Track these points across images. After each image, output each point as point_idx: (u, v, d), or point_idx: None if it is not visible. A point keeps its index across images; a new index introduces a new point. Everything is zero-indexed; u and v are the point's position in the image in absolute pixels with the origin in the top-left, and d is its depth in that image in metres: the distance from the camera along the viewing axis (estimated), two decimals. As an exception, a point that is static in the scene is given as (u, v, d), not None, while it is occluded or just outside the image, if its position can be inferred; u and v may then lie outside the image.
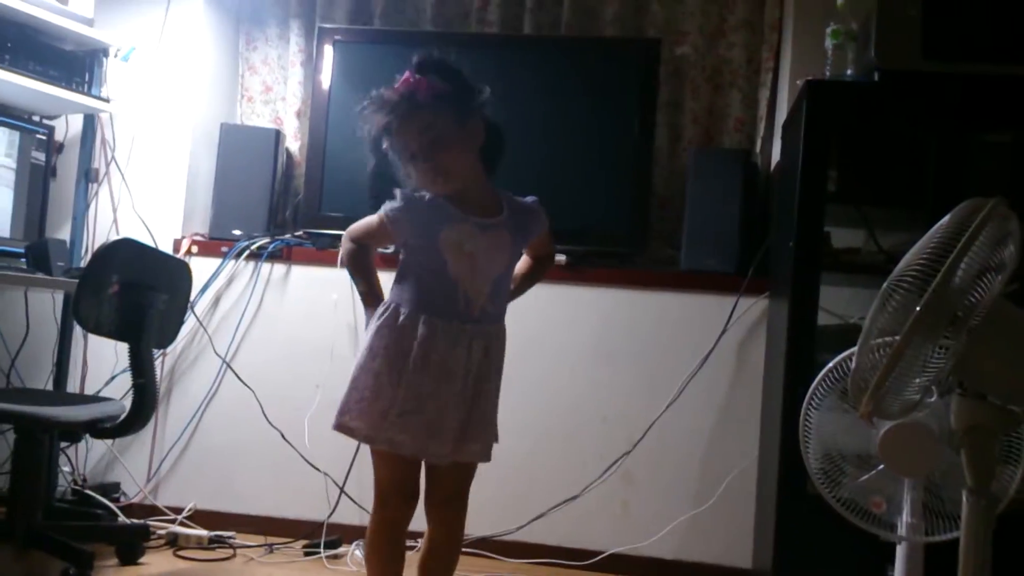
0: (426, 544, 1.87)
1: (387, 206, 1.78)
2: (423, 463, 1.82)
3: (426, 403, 1.71)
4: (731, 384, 2.84)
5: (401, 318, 1.74)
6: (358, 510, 2.94)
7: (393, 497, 1.80)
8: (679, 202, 3.01)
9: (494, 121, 1.80)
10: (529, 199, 1.87)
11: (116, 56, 3.03)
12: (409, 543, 1.87)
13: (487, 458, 1.82)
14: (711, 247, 2.84)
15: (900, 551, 1.87)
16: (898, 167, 2.42)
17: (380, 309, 1.79)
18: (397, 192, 1.78)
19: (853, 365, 1.56)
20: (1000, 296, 1.40)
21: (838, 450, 1.86)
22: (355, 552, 2.77)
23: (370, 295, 1.85)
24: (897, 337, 1.42)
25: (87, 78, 2.98)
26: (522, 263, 1.95)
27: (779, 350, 2.41)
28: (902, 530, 1.82)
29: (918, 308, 1.39)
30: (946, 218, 1.47)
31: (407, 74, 1.72)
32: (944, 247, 1.42)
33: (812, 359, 2.19)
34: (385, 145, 1.74)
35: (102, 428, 2.41)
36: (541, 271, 1.98)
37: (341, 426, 1.77)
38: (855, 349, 1.57)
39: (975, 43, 2.27)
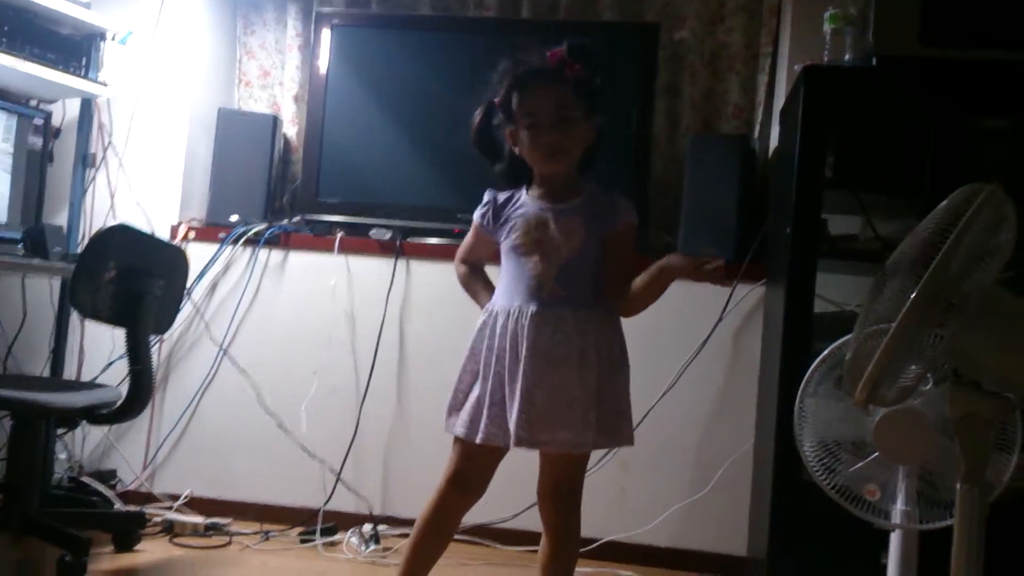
0: (540, 551, 1.93)
1: (477, 211, 1.88)
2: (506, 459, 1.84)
3: (501, 390, 1.75)
4: (727, 371, 2.84)
5: (491, 314, 1.81)
6: (354, 497, 2.95)
7: (449, 481, 1.83)
8: (677, 188, 2.99)
9: (603, 128, 1.83)
10: (622, 199, 1.85)
11: (113, 40, 3.02)
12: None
13: (572, 448, 1.79)
14: (708, 233, 2.82)
15: (894, 538, 1.86)
16: (896, 153, 2.41)
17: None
18: (485, 194, 1.87)
19: (848, 352, 1.56)
20: (995, 283, 1.40)
21: (833, 438, 1.85)
22: (351, 539, 2.77)
23: None
24: (893, 324, 1.41)
25: (84, 62, 2.96)
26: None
27: (775, 337, 2.40)
28: (896, 517, 1.81)
29: (913, 294, 1.39)
30: (943, 204, 1.46)
31: (560, 50, 1.75)
32: (940, 233, 1.41)
33: (808, 347, 2.18)
34: (514, 103, 1.76)
35: (98, 415, 2.40)
36: (615, 278, 1.83)
37: (449, 428, 1.83)
38: (850, 336, 1.56)
39: (972, 29, 2.25)
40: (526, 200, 1.83)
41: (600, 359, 1.78)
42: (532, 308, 1.76)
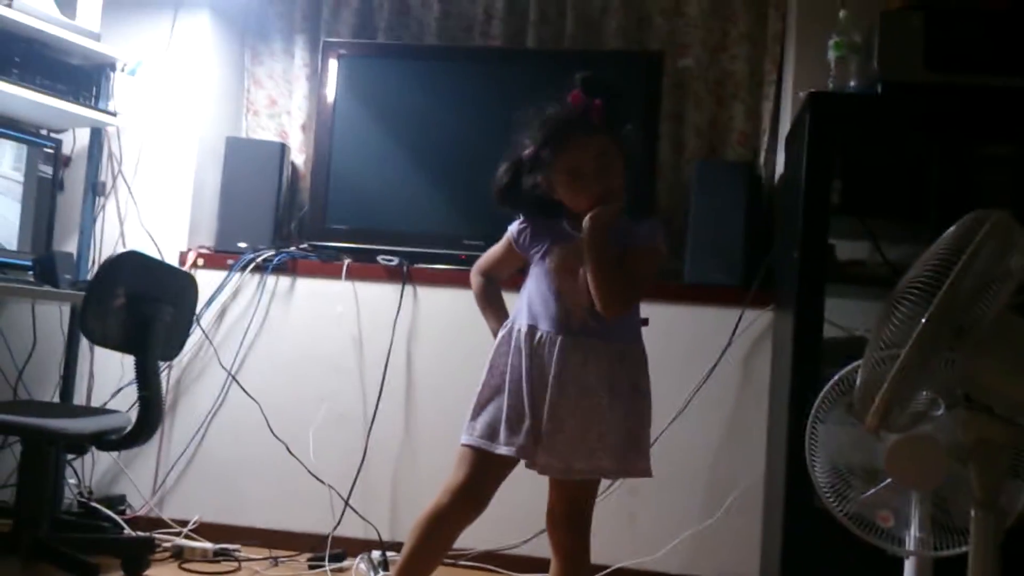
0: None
1: (514, 226, 1.86)
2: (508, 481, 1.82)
3: (522, 407, 1.74)
4: (737, 397, 2.83)
5: (511, 330, 1.80)
6: (363, 523, 2.94)
7: (458, 491, 1.78)
8: (683, 215, 3.00)
9: (632, 140, 1.79)
10: (648, 221, 1.83)
11: (123, 70, 3.05)
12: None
13: (564, 474, 1.78)
14: (715, 260, 2.83)
15: (908, 565, 1.85)
16: (902, 179, 2.42)
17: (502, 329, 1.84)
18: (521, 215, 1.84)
19: (859, 378, 1.55)
20: (1005, 308, 1.40)
21: (845, 464, 1.85)
22: (360, 565, 2.76)
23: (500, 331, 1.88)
24: (904, 349, 1.41)
25: (94, 92, 2.99)
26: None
27: (784, 363, 2.40)
28: (910, 544, 1.80)
29: (923, 320, 1.39)
30: (950, 230, 1.47)
31: (576, 93, 1.73)
32: (948, 259, 1.42)
33: (817, 372, 2.18)
34: (549, 157, 1.72)
35: (108, 440, 2.40)
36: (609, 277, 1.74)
37: (467, 439, 1.79)
38: (861, 361, 1.56)
39: (977, 55, 2.27)
40: (563, 230, 1.79)
41: (628, 389, 1.78)
42: (560, 337, 1.75)
